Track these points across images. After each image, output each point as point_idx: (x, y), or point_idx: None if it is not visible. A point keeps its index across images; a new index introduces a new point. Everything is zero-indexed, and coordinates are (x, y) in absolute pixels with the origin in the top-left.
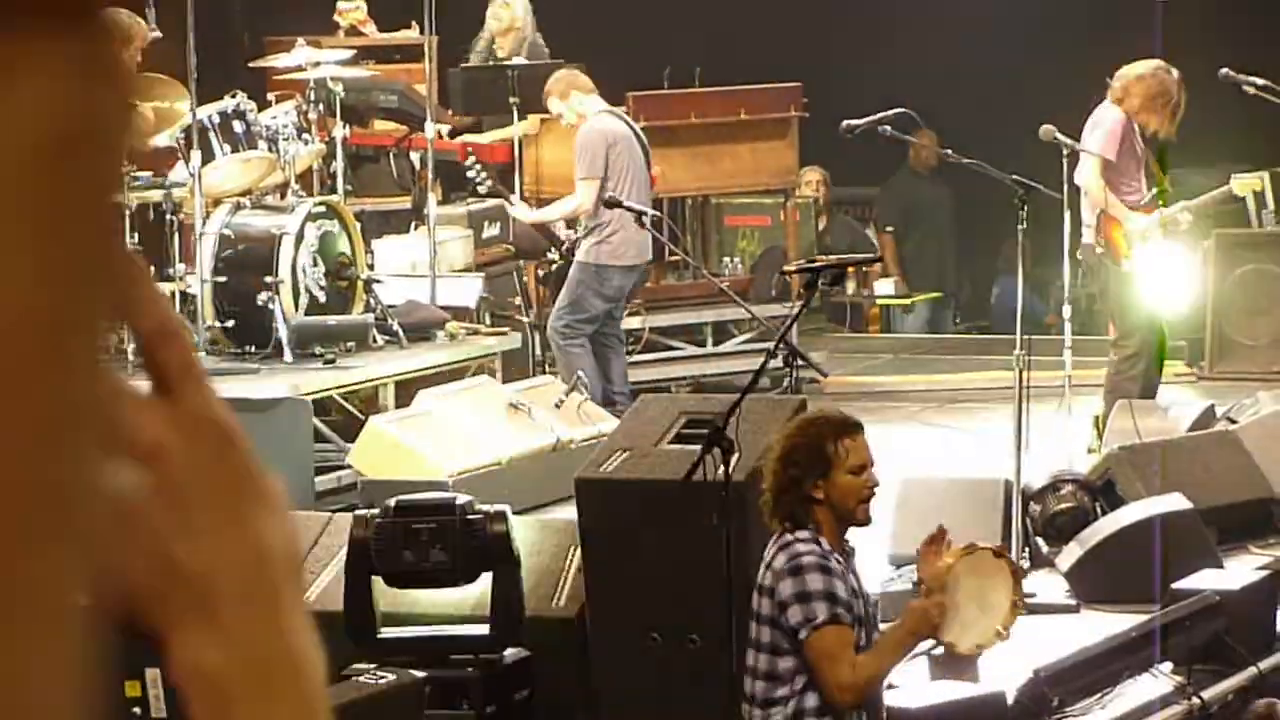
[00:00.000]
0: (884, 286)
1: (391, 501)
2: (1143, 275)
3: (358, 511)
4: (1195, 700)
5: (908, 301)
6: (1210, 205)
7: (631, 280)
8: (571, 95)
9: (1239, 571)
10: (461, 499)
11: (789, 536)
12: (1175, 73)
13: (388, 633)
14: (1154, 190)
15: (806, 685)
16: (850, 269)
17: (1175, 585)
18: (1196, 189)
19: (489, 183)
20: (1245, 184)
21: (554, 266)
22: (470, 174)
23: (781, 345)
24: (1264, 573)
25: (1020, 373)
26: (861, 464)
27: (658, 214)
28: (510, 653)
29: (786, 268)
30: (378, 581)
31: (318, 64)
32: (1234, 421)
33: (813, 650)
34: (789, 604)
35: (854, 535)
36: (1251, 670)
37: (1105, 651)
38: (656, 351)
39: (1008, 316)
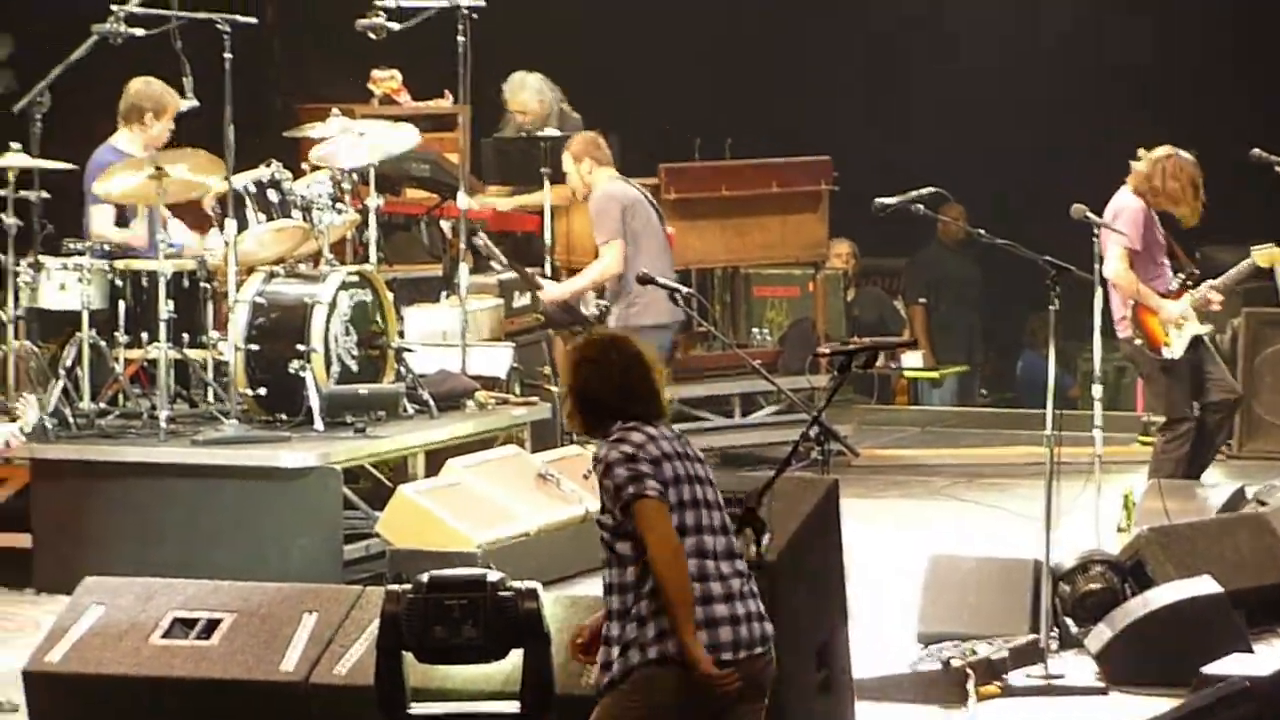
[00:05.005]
0: (911, 359)
1: (424, 577)
2: (1184, 360)
3: (389, 586)
4: None
5: (935, 374)
6: (1235, 281)
7: (668, 337)
8: (585, 160)
9: (1269, 656)
10: (493, 575)
11: None
12: (1187, 155)
13: (418, 708)
14: (1181, 274)
15: None
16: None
17: (1205, 669)
18: (1226, 268)
19: (499, 259)
20: (1266, 255)
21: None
22: (481, 252)
23: (815, 425)
24: None
25: (1051, 452)
26: None
27: (690, 290)
28: None
29: (821, 350)
30: (408, 657)
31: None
32: (1264, 504)
33: None
34: None
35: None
36: None
37: None
38: (684, 422)
39: (1032, 389)
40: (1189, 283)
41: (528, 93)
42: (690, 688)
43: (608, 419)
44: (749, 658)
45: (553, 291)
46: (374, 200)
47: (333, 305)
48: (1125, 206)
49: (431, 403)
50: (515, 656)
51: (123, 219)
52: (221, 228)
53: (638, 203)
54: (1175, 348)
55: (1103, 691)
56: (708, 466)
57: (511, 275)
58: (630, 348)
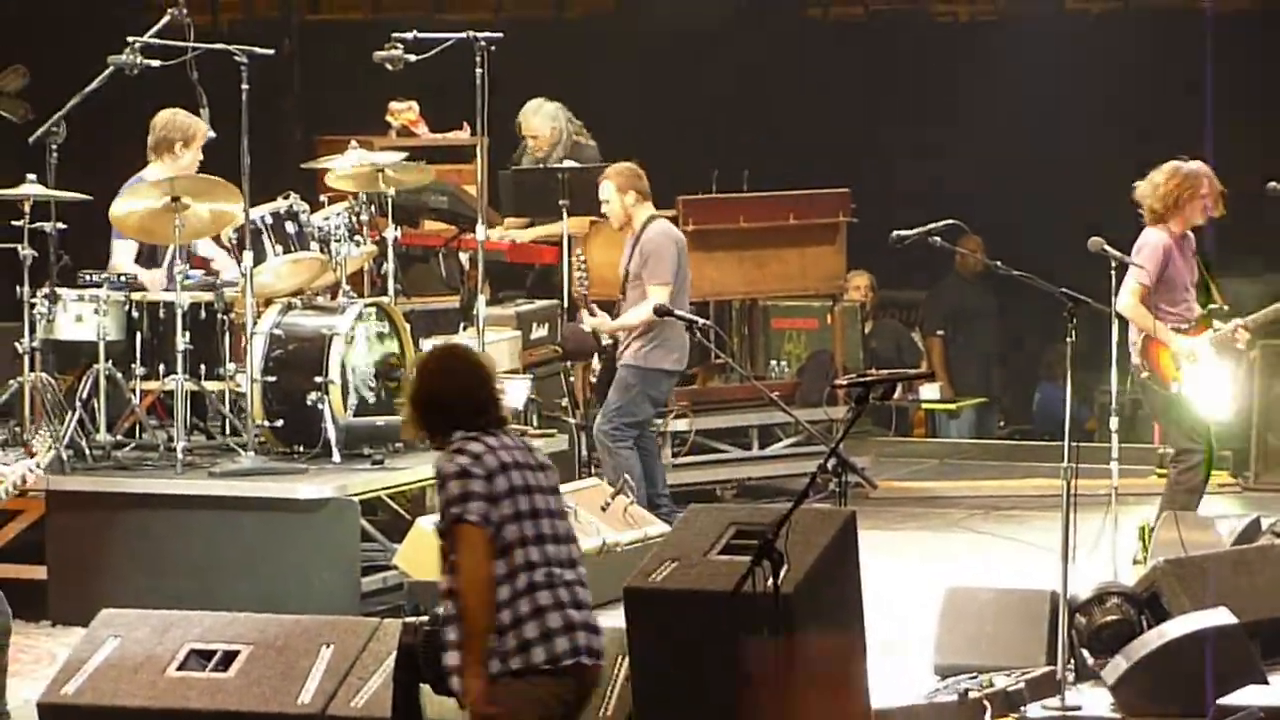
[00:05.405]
0: (929, 391)
1: (440, 609)
2: (1193, 394)
3: (406, 618)
4: None
5: (953, 406)
6: (1269, 320)
7: (674, 383)
8: (630, 193)
9: None
10: None
11: None
12: (1187, 160)
13: None
14: (1207, 307)
15: None
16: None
17: (1220, 701)
18: (1243, 299)
19: (587, 284)
20: None
21: (599, 369)
22: (579, 274)
23: (832, 457)
24: None
25: (1068, 484)
26: None
27: (708, 322)
28: None
29: (839, 382)
30: (426, 689)
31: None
32: (1279, 535)
33: None
34: None
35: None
36: None
37: None
38: (702, 454)
39: (1050, 421)
40: (1214, 318)
41: (540, 118)
42: (550, 697)
43: (448, 428)
44: (593, 666)
45: (606, 324)
46: (392, 232)
47: (350, 337)
48: (1148, 241)
49: None
50: None
51: (153, 260)
52: (239, 260)
53: (684, 245)
54: (1185, 383)
55: None
56: (553, 474)
57: (534, 305)
58: (471, 357)
